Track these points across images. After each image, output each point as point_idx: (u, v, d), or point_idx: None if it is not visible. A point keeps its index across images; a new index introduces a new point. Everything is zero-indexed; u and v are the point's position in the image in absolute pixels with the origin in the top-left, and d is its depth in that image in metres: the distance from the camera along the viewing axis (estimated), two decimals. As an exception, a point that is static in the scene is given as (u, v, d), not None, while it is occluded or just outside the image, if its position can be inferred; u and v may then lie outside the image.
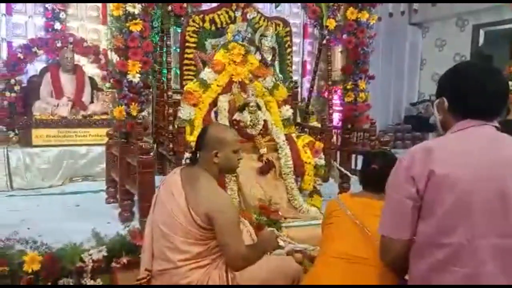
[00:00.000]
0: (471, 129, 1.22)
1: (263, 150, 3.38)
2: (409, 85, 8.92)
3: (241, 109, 3.50)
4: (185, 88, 3.57)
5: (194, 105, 3.48)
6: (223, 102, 3.54)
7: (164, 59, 3.53)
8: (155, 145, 3.21)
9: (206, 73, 3.59)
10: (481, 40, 7.88)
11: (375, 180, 1.75)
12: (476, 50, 7.82)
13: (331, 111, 4.39)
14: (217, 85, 3.60)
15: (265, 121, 3.55)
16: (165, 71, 3.62)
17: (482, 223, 1.12)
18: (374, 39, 4.34)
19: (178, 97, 3.69)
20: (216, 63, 3.62)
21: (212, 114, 3.56)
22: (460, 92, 1.24)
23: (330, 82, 4.39)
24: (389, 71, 8.33)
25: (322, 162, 3.59)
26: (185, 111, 3.43)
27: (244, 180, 3.23)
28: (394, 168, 1.27)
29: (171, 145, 2.98)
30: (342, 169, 3.87)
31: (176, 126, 3.27)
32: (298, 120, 4.42)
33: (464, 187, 1.13)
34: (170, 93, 3.36)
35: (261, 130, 3.50)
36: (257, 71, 3.76)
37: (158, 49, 3.56)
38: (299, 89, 5.44)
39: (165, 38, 3.42)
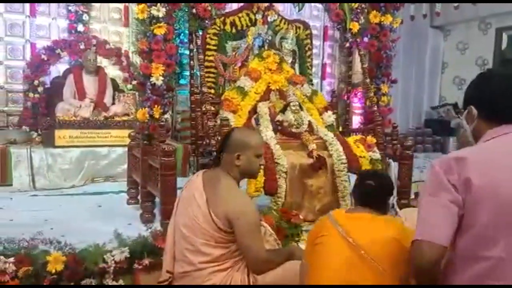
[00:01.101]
0: (505, 136, 1.17)
1: (313, 146, 3.25)
2: (430, 89, 8.77)
3: (283, 110, 3.45)
4: (223, 96, 3.58)
5: (233, 112, 3.46)
6: (263, 108, 3.51)
7: (196, 61, 3.49)
8: (195, 158, 3.18)
9: (243, 81, 3.60)
10: (504, 44, 7.70)
11: (373, 196, 1.69)
12: (499, 54, 7.65)
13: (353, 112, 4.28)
14: (255, 93, 3.59)
15: (309, 121, 3.49)
16: (197, 72, 3.59)
17: None
18: (396, 43, 4.28)
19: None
20: (251, 70, 3.64)
21: (253, 121, 3.52)
22: (488, 96, 1.22)
23: (350, 86, 4.33)
24: (410, 75, 8.21)
25: (378, 155, 3.42)
26: (224, 118, 3.34)
27: (294, 178, 3.15)
28: (431, 173, 1.21)
29: (212, 141, 2.91)
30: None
31: (219, 121, 3.18)
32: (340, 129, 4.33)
33: (504, 197, 1.08)
34: (208, 106, 3.27)
35: (306, 130, 3.41)
36: (293, 78, 3.77)
37: (189, 52, 3.54)
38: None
39: (194, 41, 3.39)
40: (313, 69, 5.54)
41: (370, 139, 3.52)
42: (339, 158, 3.26)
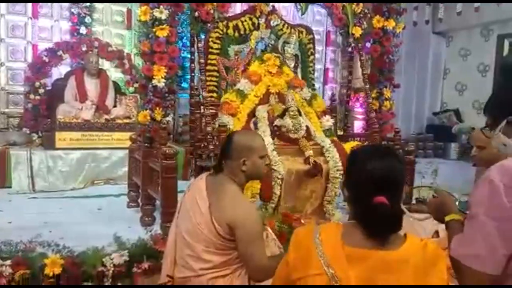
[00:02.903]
0: None
1: (309, 152, 3.26)
2: (431, 95, 8.77)
3: (282, 115, 3.45)
4: (222, 99, 3.56)
5: (232, 115, 3.44)
6: (262, 112, 3.50)
7: (196, 65, 3.49)
8: (193, 160, 3.17)
9: (243, 84, 3.58)
10: (506, 50, 7.70)
11: (384, 220, 1.06)
12: (501, 61, 7.65)
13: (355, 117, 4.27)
14: (255, 96, 3.57)
15: (307, 127, 3.49)
16: (197, 74, 3.58)
17: None
18: (399, 48, 4.27)
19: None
20: (252, 73, 3.62)
21: (252, 125, 3.51)
22: None
23: (352, 91, 4.32)
24: (412, 80, 8.21)
25: None
26: (223, 121, 3.37)
27: (286, 183, 3.15)
28: (486, 189, 1.08)
29: (210, 146, 2.90)
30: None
31: (217, 126, 3.17)
32: (339, 133, 4.32)
33: None
34: (205, 110, 3.26)
35: (303, 135, 3.41)
36: (293, 81, 3.75)
37: (190, 55, 3.53)
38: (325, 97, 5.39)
39: (196, 44, 3.39)
40: (315, 74, 5.54)
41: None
42: (335, 165, 3.27)
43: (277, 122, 3.43)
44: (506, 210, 1.03)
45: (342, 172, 3.24)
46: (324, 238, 1.11)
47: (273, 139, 3.33)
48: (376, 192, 1.05)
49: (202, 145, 2.94)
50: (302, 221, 3.05)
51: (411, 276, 1.01)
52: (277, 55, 3.81)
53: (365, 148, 1.33)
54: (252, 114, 3.55)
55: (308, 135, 3.46)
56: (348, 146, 3.51)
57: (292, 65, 4.55)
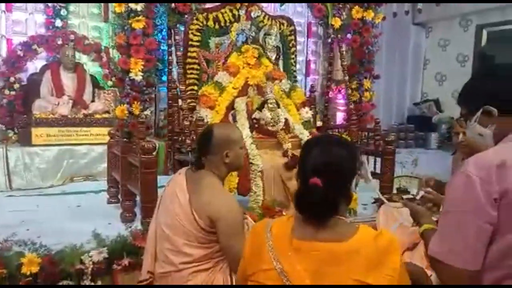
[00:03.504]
0: None
1: (288, 145, 3.27)
2: (412, 85, 8.87)
3: (260, 107, 3.43)
4: (200, 91, 3.52)
5: (211, 107, 3.41)
6: (241, 104, 3.48)
7: (172, 57, 3.44)
8: (172, 154, 3.14)
9: (221, 76, 3.54)
10: (484, 41, 7.83)
11: (318, 204, 1.06)
12: (479, 51, 7.78)
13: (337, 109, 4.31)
14: (233, 88, 3.54)
15: (286, 119, 3.48)
16: (175, 68, 3.53)
17: None
18: (378, 39, 4.29)
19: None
20: (230, 65, 3.58)
21: (230, 117, 3.49)
22: (510, 88, 1.12)
23: (333, 82, 4.34)
24: (392, 71, 8.28)
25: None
26: (201, 114, 3.33)
27: (266, 177, 3.15)
28: (462, 183, 1.07)
29: (187, 140, 2.88)
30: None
31: (194, 119, 3.13)
32: (319, 124, 4.33)
33: None
34: (183, 103, 3.22)
35: (282, 128, 3.41)
36: (272, 73, 3.73)
37: (167, 47, 3.48)
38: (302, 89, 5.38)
39: (173, 36, 3.33)
40: (298, 66, 5.53)
41: (345, 137, 3.54)
42: None
43: (256, 114, 3.42)
44: (482, 204, 1.02)
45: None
46: (275, 232, 1.12)
47: (251, 132, 3.32)
48: (312, 175, 1.07)
49: (180, 139, 2.91)
50: (284, 213, 3.06)
51: (363, 267, 1.00)
52: (256, 47, 3.78)
53: (312, 138, 1.33)
54: (230, 107, 3.53)
55: (287, 128, 3.46)
56: None
57: (274, 57, 4.52)
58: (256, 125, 3.39)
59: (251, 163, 3.05)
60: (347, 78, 4.01)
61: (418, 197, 1.80)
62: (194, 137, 2.84)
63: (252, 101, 3.55)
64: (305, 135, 3.40)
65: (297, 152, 3.28)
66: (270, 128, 3.37)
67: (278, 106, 3.47)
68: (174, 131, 3.10)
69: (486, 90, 1.17)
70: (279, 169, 3.20)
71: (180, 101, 3.26)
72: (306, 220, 1.08)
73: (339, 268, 1.01)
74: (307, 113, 3.80)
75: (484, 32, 7.77)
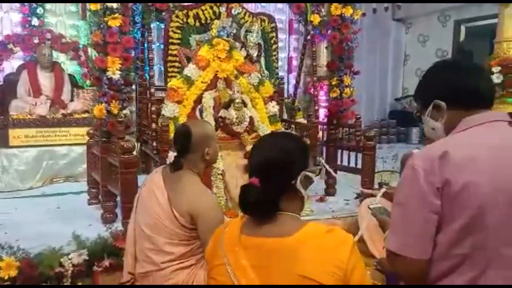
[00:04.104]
0: (480, 127, 1.11)
1: (249, 147, 3.29)
2: (393, 81, 9.00)
3: (227, 106, 3.43)
4: (168, 85, 3.49)
5: (178, 102, 3.40)
6: (208, 99, 3.47)
7: (146, 55, 3.43)
8: (139, 144, 3.13)
9: (190, 70, 3.51)
10: (462, 36, 7.99)
11: (255, 203, 1.07)
12: (457, 46, 7.93)
13: (316, 107, 4.36)
14: (202, 82, 3.52)
15: (251, 118, 3.49)
16: (147, 67, 3.52)
17: (493, 234, 1.04)
18: (359, 35, 4.32)
19: (162, 94, 3.60)
20: (200, 59, 3.54)
21: (197, 112, 3.48)
22: (456, 81, 1.16)
23: (315, 78, 4.37)
24: (373, 67, 8.38)
25: None
26: (169, 108, 3.34)
27: (230, 178, 3.18)
28: (408, 175, 1.09)
29: (154, 144, 2.91)
30: (327, 167, 3.82)
31: (160, 124, 3.18)
32: (285, 116, 4.38)
33: (481, 198, 1.02)
34: (152, 90, 3.27)
35: (247, 127, 3.44)
36: (242, 67, 3.71)
37: (140, 45, 3.45)
38: (285, 85, 5.41)
39: (146, 34, 3.31)
40: (280, 63, 5.54)
41: (293, 133, 3.62)
42: None
43: (222, 113, 3.42)
44: (425, 194, 1.05)
45: None
46: (228, 230, 1.16)
47: (216, 130, 3.32)
48: (253, 174, 1.10)
49: (147, 131, 2.88)
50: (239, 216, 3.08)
51: (307, 261, 0.99)
52: (227, 39, 3.76)
53: (260, 137, 1.34)
54: (198, 101, 3.51)
55: (252, 127, 3.48)
56: None
57: (255, 54, 4.53)
58: (221, 124, 3.39)
59: (212, 166, 3.06)
60: (325, 74, 4.04)
61: (380, 194, 1.84)
62: (157, 128, 2.80)
63: (220, 95, 3.53)
64: None
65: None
66: (234, 128, 3.39)
67: (245, 105, 3.48)
68: (142, 123, 3.08)
69: (435, 85, 1.22)
70: (241, 171, 3.22)
71: (148, 94, 3.26)
72: (250, 218, 1.11)
73: (283, 262, 1.02)
74: (273, 107, 3.81)
75: (462, 28, 7.92)
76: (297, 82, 4.73)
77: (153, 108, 3.04)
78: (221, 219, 1.71)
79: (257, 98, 3.73)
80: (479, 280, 1.05)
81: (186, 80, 3.46)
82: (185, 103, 3.42)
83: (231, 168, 3.17)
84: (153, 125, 3.23)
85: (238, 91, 3.46)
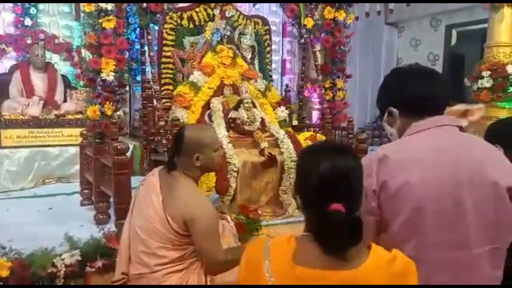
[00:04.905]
0: (425, 132, 1.15)
1: (264, 144, 3.29)
2: (386, 84, 9.06)
3: (236, 107, 3.44)
4: (175, 91, 3.50)
5: (186, 107, 3.40)
6: (217, 104, 3.48)
7: (147, 55, 3.41)
8: (147, 153, 3.11)
9: (196, 76, 3.54)
10: (454, 40, 8.07)
11: (340, 231, 0.90)
12: (449, 50, 8.01)
13: (312, 108, 4.36)
14: (208, 88, 3.55)
15: (262, 118, 3.51)
16: (148, 68, 3.51)
17: (433, 235, 1.07)
18: (352, 38, 4.37)
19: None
20: (205, 65, 3.59)
21: (206, 117, 3.48)
22: (406, 90, 1.20)
23: (309, 82, 4.40)
24: (366, 70, 8.43)
25: None
26: (176, 114, 3.31)
27: (245, 176, 3.17)
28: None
29: (163, 141, 2.86)
30: None
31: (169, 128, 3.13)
32: (294, 123, 4.38)
33: (419, 198, 1.05)
34: (156, 104, 3.20)
35: (259, 127, 3.44)
36: (247, 73, 3.75)
37: (140, 47, 3.45)
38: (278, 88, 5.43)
39: (145, 34, 3.30)
40: (273, 65, 5.56)
41: (320, 136, 3.61)
42: (289, 156, 3.31)
43: (232, 114, 3.44)
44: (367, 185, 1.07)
45: (296, 163, 3.32)
46: (274, 257, 0.97)
47: (228, 131, 3.33)
48: (329, 198, 0.91)
49: (156, 139, 2.90)
50: (259, 211, 3.10)
51: None
52: (230, 46, 3.80)
53: (314, 147, 1.12)
54: (206, 107, 3.53)
55: (263, 127, 3.50)
56: (302, 137, 3.59)
57: (249, 56, 4.54)
58: (232, 125, 3.40)
59: (228, 162, 3.06)
60: (320, 77, 4.07)
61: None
62: (170, 137, 2.81)
63: (228, 100, 3.57)
64: (281, 135, 3.43)
65: (274, 151, 3.33)
66: (246, 127, 3.40)
67: (254, 106, 3.50)
68: (149, 132, 3.08)
69: (388, 92, 1.27)
70: (254, 167, 3.22)
71: (155, 101, 3.24)
72: (325, 251, 0.93)
73: None
74: (282, 112, 3.84)
75: (454, 32, 8.01)
76: (302, 86, 4.76)
77: (161, 123, 2.95)
78: (215, 225, 1.71)
79: (265, 103, 3.76)
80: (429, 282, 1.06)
81: (193, 86, 3.48)
82: (193, 108, 3.43)
83: (246, 165, 3.16)
84: (162, 139, 3.07)
85: (246, 92, 3.48)
